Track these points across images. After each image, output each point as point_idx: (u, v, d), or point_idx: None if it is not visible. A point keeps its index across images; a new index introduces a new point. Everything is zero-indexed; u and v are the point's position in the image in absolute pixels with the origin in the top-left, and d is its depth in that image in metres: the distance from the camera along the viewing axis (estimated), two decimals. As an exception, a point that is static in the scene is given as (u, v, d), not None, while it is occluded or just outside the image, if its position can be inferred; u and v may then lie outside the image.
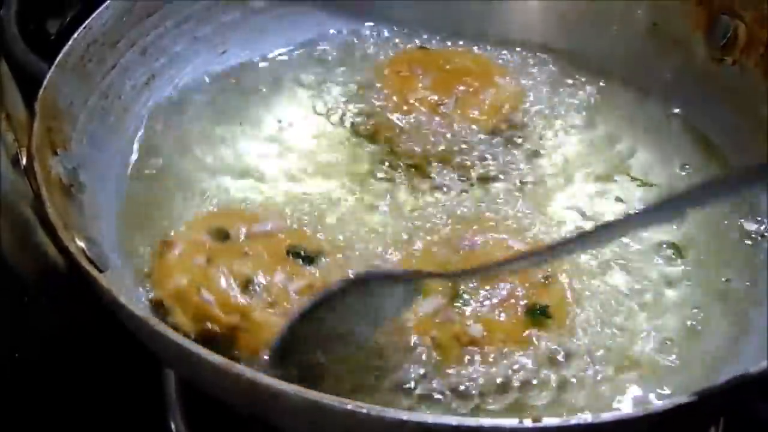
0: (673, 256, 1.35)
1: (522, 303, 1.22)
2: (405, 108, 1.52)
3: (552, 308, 1.22)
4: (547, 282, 1.25)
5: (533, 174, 1.48)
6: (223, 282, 1.24)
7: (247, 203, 1.41)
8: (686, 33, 1.56)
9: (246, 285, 1.24)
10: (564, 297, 1.25)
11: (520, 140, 1.51)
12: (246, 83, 1.63)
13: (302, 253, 1.29)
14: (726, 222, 1.40)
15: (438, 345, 1.18)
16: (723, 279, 1.34)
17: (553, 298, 1.24)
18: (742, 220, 1.40)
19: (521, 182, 1.46)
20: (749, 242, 1.38)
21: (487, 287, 1.23)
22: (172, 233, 1.33)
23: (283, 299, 1.23)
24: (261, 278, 1.24)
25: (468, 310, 1.21)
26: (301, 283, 1.25)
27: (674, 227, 1.38)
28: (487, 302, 1.21)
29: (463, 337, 1.17)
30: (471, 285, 1.23)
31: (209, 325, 1.21)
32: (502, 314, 1.20)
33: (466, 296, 1.22)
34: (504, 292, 1.22)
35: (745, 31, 1.47)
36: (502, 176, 1.47)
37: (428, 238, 1.35)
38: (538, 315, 1.21)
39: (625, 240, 1.35)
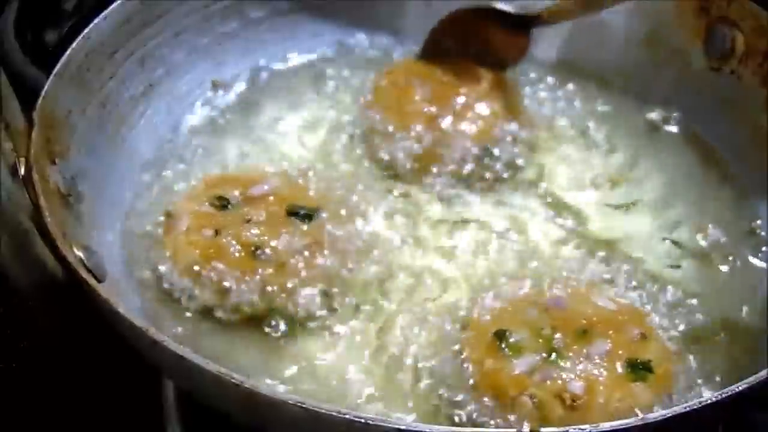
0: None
1: (622, 358, 1.16)
2: (402, 121, 1.50)
3: (654, 363, 1.17)
4: (643, 338, 1.19)
5: (530, 181, 1.50)
6: (233, 251, 1.27)
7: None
8: (684, 43, 1.56)
9: (254, 252, 1.27)
10: (664, 351, 1.21)
11: (517, 150, 1.51)
12: (243, 94, 1.64)
13: (301, 212, 1.33)
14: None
15: (537, 403, 1.12)
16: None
17: (653, 353, 1.18)
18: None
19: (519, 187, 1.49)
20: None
21: (582, 343, 1.17)
22: (174, 205, 1.36)
23: (290, 260, 1.28)
24: (267, 243, 1.28)
25: (565, 366, 1.15)
26: (304, 242, 1.30)
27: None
28: (584, 359, 1.15)
29: (565, 394, 1.12)
30: (565, 341, 1.18)
31: (226, 293, 1.26)
32: (603, 370, 1.15)
33: (561, 352, 1.16)
34: (601, 349, 1.17)
35: (743, 40, 1.47)
36: (498, 184, 1.48)
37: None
38: (640, 370, 1.15)
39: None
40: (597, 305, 1.23)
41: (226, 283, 1.26)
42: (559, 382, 1.13)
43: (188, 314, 1.28)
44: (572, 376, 1.13)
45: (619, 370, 1.15)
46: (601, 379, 1.14)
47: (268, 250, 1.27)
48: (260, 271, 1.26)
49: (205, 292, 1.27)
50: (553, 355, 1.16)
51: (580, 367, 1.15)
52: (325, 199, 1.38)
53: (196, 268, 1.27)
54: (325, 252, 1.30)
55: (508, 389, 1.14)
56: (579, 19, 1.55)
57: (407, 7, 1.72)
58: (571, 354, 1.16)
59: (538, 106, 1.61)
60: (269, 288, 1.26)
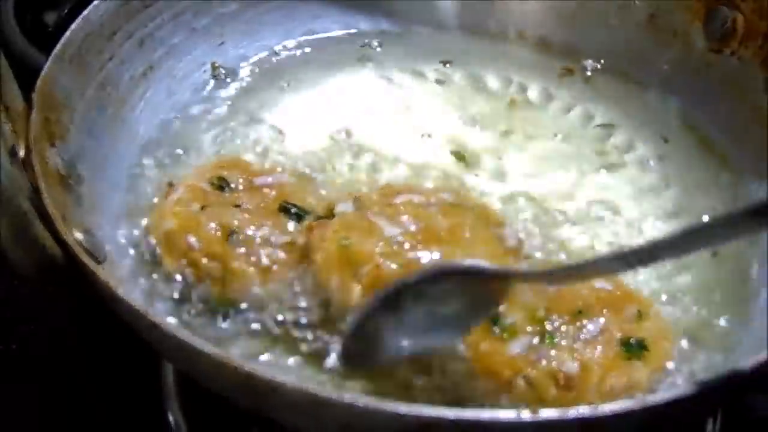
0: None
1: (616, 337, 1.17)
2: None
3: (649, 341, 1.17)
4: (640, 316, 1.20)
5: (529, 167, 1.49)
6: (209, 229, 1.27)
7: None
8: (684, 24, 1.56)
9: (230, 235, 1.26)
10: (661, 329, 1.21)
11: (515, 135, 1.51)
12: (243, 78, 1.63)
13: (293, 210, 1.32)
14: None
15: (531, 383, 1.13)
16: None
17: (648, 331, 1.19)
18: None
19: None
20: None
21: (577, 324, 1.18)
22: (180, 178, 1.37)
23: (263, 253, 1.27)
24: (246, 230, 1.27)
25: (559, 346, 1.15)
26: (283, 239, 1.28)
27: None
28: (578, 339, 1.16)
29: (558, 374, 1.12)
30: (559, 322, 1.18)
31: (191, 270, 1.25)
32: (597, 349, 1.15)
33: (556, 334, 1.17)
34: (595, 328, 1.17)
35: (743, 22, 1.47)
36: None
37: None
38: (634, 348, 1.16)
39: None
40: (594, 286, 1.23)
41: (194, 258, 1.26)
42: (553, 362, 1.13)
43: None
44: (566, 356, 1.14)
45: (614, 348, 1.15)
46: (595, 358, 1.14)
47: (245, 237, 1.27)
48: (230, 254, 1.26)
49: (170, 262, 1.27)
50: (547, 335, 1.16)
51: (574, 346, 1.15)
52: (326, 206, 1.36)
53: (169, 235, 1.28)
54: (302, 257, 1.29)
55: (503, 371, 1.14)
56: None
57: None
58: (565, 334, 1.16)
59: (533, 87, 1.62)
60: (229, 272, 1.25)
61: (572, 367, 1.12)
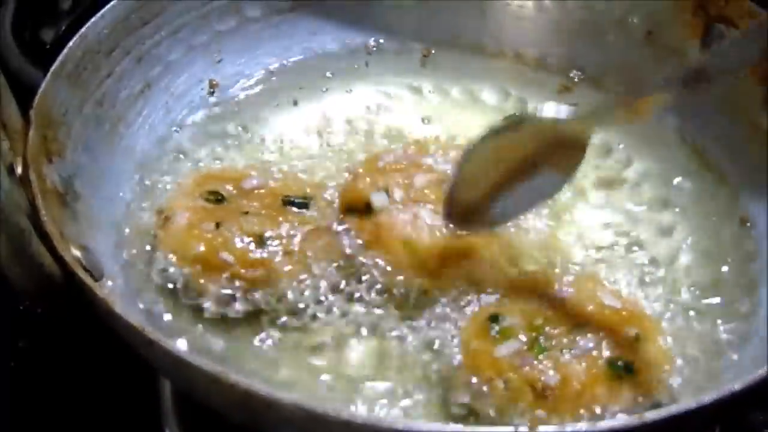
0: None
1: (605, 356, 1.16)
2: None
3: (638, 366, 1.16)
4: (637, 339, 1.19)
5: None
6: (237, 241, 1.28)
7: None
8: (682, 41, 1.56)
9: (259, 240, 1.28)
10: (656, 356, 1.20)
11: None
12: (240, 94, 1.64)
13: (296, 201, 1.35)
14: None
15: (509, 387, 1.13)
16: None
17: (641, 356, 1.18)
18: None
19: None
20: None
21: (571, 336, 1.18)
22: (167, 202, 1.37)
23: (295, 248, 1.29)
24: (270, 231, 1.29)
25: (547, 356, 1.16)
26: (305, 228, 1.31)
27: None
28: (568, 352, 1.16)
29: (537, 383, 1.13)
30: (554, 332, 1.19)
31: (236, 282, 1.26)
32: (582, 365, 1.15)
33: (547, 343, 1.17)
34: (587, 344, 1.17)
35: (741, 39, 1.47)
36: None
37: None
38: (620, 370, 1.15)
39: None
40: (600, 301, 1.24)
41: (238, 273, 1.26)
42: (536, 371, 1.14)
43: (186, 312, 1.28)
44: (549, 366, 1.14)
45: (600, 367, 1.15)
46: (578, 373, 1.14)
47: (273, 239, 1.29)
48: (270, 258, 1.27)
49: (213, 285, 1.26)
50: (538, 344, 1.17)
51: (561, 359, 1.15)
52: (316, 190, 1.39)
53: (203, 261, 1.27)
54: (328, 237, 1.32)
55: (486, 371, 1.15)
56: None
57: (410, 8, 1.72)
58: (556, 345, 1.17)
59: (531, 105, 1.62)
60: (279, 276, 1.27)
61: (552, 377, 1.13)
